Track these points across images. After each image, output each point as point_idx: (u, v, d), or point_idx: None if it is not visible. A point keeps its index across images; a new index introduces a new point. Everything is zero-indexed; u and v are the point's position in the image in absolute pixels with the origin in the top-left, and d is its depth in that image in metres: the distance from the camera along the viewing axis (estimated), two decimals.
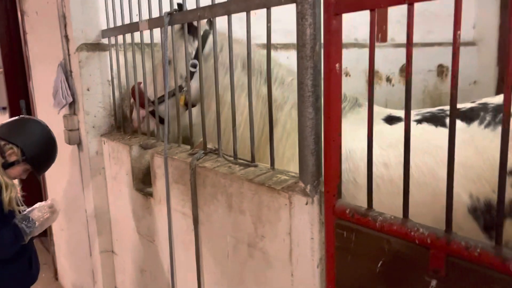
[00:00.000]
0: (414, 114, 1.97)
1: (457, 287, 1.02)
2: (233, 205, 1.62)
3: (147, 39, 2.24)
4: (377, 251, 1.19)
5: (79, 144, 2.70)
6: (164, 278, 2.19)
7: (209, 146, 1.93)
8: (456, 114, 1.07)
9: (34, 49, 3.35)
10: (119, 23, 2.41)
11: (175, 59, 2.05)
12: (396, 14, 4.03)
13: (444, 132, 1.80)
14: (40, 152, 2.17)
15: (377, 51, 3.88)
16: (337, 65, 1.24)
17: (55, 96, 2.80)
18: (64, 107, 2.64)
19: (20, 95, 4.51)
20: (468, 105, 1.90)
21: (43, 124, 2.25)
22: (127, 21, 2.33)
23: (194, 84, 2.09)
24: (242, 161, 1.73)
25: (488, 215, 1.69)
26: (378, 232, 1.18)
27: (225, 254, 1.70)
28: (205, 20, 1.96)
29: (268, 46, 1.54)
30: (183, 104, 2.14)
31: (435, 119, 1.87)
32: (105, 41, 2.58)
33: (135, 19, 2.28)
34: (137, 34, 2.26)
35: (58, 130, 2.84)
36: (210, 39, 2.09)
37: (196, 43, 2.08)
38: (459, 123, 1.82)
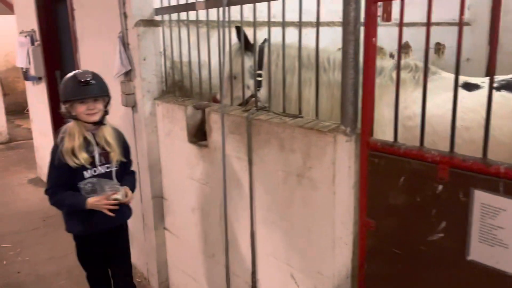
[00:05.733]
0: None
1: (454, 186, 1.53)
2: (285, 147, 2.12)
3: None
4: (400, 170, 1.70)
5: (133, 106, 3.18)
6: (215, 212, 2.71)
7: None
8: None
9: (83, 24, 3.77)
10: (172, 2, 2.86)
11: (238, 73, 2.43)
12: None
13: None
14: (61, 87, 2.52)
15: (382, 30, 4.40)
16: (373, 39, 1.73)
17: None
18: (121, 74, 3.10)
19: (56, 66, 4.95)
20: None
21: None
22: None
23: (262, 90, 2.53)
24: (290, 114, 2.22)
25: None
26: (401, 157, 1.69)
27: (276, 184, 2.21)
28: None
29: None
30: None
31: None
32: (157, 17, 3.03)
33: None
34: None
35: (115, 94, 3.32)
36: (265, 51, 2.55)
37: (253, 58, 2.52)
38: None
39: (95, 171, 2.52)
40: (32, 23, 5.03)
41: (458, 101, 2.11)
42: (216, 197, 2.68)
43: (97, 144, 2.53)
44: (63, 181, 2.46)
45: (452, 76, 2.39)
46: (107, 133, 2.56)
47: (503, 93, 2.10)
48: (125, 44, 3.08)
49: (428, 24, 1.58)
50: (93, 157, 2.50)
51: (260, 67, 2.52)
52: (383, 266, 1.84)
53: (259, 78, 2.46)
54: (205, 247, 2.87)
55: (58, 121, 5.08)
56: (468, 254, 1.54)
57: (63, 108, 2.49)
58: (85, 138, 2.49)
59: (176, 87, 3.07)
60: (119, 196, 2.49)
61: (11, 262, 3.92)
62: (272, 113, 2.29)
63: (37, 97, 5.57)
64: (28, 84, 5.79)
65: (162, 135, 3.08)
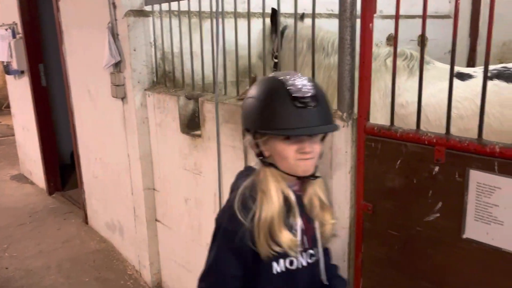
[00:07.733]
0: (481, 71, 2.30)
1: (451, 167, 1.58)
2: None
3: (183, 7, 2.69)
4: (397, 153, 1.74)
5: (123, 97, 3.15)
6: (209, 202, 2.71)
7: None
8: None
9: (68, 15, 3.71)
10: None
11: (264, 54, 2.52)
12: None
13: None
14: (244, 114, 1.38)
15: None
16: (370, 24, 1.76)
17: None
18: (111, 65, 3.07)
19: (39, 59, 4.86)
20: None
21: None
22: None
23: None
24: None
25: None
26: (398, 140, 1.73)
27: None
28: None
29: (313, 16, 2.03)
30: None
31: (504, 76, 2.15)
32: (147, 8, 3.00)
33: None
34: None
35: (105, 85, 3.28)
36: (285, 34, 2.68)
37: (276, 40, 2.61)
38: None
39: (291, 263, 1.39)
40: (14, 15, 4.92)
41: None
42: (210, 187, 2.68)
43: (301, 210, 1.41)
44: (236, 275, 1.37)
45: (445, 67, 2.43)
46: (320, 190, 1.44)
47: (496, 82, 2.15)
48: (114, 34, 3.05)
49: (424, 12, 1.62)
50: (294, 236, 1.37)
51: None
52: (380, 248, 1.89)
53: (275, 60, 2.53)
54: (199, 236, 2.88)
55: (42, 114, 5.00)
56: (463, 233, 1.59)
57: (247, 137, 1.38)
58: (285, 200, 1.36)
59: (167, 78, 3.05)
60: None
61: None
62: None
63: (19, 91, 5.45)
64: (10, 78, 5.66)
65: (153, 126, 3.07)
